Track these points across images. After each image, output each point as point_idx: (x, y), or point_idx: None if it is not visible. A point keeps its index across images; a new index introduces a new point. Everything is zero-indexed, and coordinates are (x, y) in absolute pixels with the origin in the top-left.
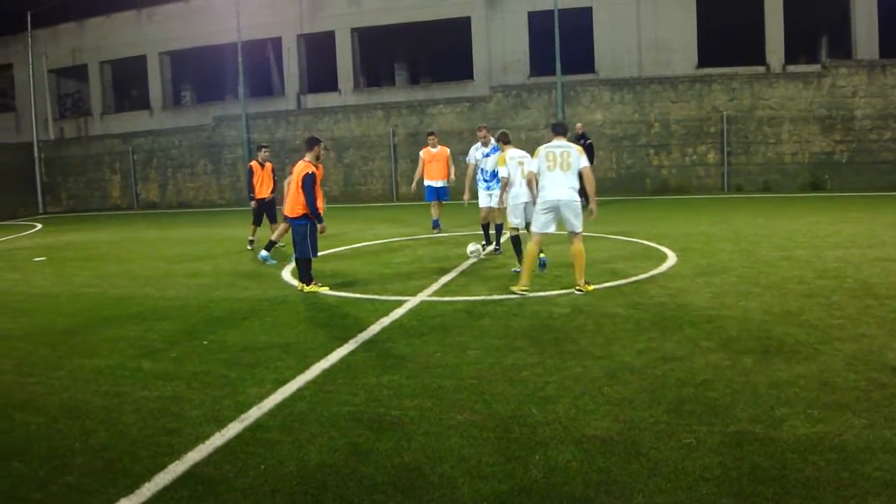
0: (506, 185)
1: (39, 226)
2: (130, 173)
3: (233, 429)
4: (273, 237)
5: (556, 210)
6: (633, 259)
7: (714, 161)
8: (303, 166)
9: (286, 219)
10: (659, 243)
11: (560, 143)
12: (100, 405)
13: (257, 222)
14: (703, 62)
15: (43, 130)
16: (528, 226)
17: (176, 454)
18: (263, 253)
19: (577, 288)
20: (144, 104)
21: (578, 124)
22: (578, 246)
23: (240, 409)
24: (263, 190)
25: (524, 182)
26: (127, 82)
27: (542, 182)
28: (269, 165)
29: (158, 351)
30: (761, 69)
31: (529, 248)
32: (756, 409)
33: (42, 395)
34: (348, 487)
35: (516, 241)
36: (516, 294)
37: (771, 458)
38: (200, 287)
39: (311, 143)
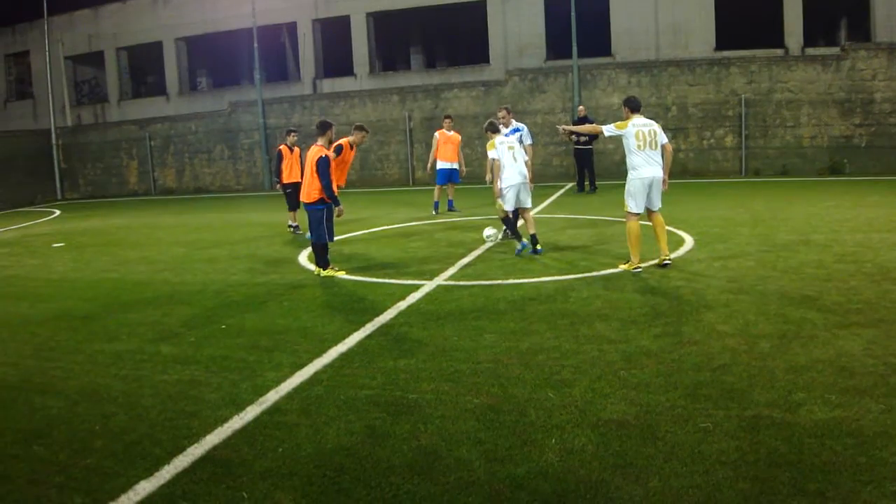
0: (498, 170)
1: (58, 212)
2: (147, 159)
3: (251, 412)
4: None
5: (650, 187)
6: (649, 243)
7: (732, 145)
8: (316, 150)
9: (303, 204)
10: (676, 227)
11: (644, 120)
12: (119, 389)
13: (294, 207)
14: (721, 45)
15: (60, 117)
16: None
17: (195, 437)
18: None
19: (665, 259)
20: (161, 90)
21: (581, 107)
22: (661, 219)
23: (258, 393)
24: (292, 174)
25: (515, 165)
26: (143, 68)
27: (633, 161)
28: (297, 150)
29: (177, 335)
30: (780, 52)
31: (632, 227)
32: (773, 394)
33: (62, 380)
34: (365, 470)
35: (509, 220)
36: (631, 271)
37: (788, 443)
38: (218, 272)
39: (324, 127)
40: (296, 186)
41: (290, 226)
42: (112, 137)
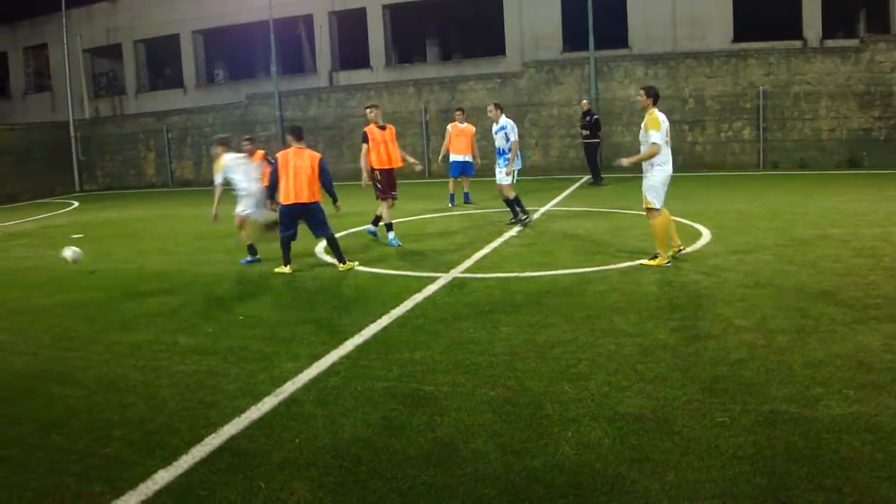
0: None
1: (76, 203)
2: (165, 151)
3: (268, 403)
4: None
5: (668, 183)
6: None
7: (750, 137)
8: (310, 153)
9: (305, 205)
10: (693, 220)
11: (663, 114)
12: (137, 379)
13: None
14: (738, 37)
15: (78, 109)
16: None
17: (212, 427)
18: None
19: (680, 248)
20: (178, 82)
21: (584, 101)
22: (666, 210)
23: (275, 384)
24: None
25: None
26: (160, 61)
27: (663, 157)
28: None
29: (194, 326)
30: (798, 44)
31: (662, 222)
32: (790, 389)
33: (81, 369)
34: (382, 461)
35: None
36: (662, 266)
37: (805, 438)
38: (235, 263)
39: (301, 131)
40: None
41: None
42: (130, 130)
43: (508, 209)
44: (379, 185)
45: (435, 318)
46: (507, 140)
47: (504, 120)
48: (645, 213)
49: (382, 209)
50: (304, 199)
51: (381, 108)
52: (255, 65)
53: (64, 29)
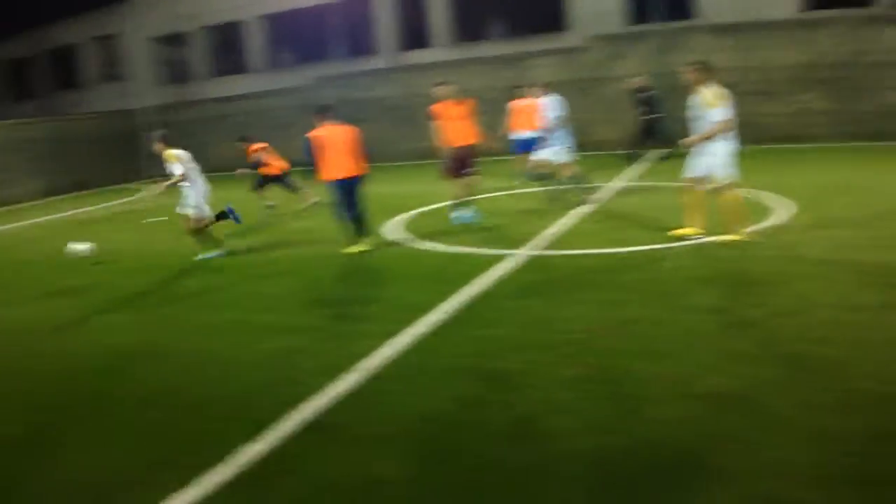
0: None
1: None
2: (232, 136)
3: (348, 379)
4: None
5: None
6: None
7: (821, 109)
8: (345, 128)
9: (346, 180)
10: (766, 195)
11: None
12: (225, 357)
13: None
14: (808, 5)
15: (147, 97)
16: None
17: (296, 403)
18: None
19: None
20: (244, 67)
21: (637, 78)
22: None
23: (353, 360)
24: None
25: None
26: (226, 47)
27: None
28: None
29: (276, 305)
30: (870, 11)
31: (735, 197)
32: (875, 366)
33: (175, 346)
34: (464, 438)
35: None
36: (745, 240)
37: (891, 416)
38: (311, 243)
39: (326, 109)
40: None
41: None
42: (197, 115)
43: (574, 186)
44: (450, 163)
45: (509, 295)
46: (551, 117)
47: (548, 98)
48: (709, 190)
49: (458, 187)
50: (346, 173)
51: (453, 84)
52: (321, 47)
53: (132, 18)
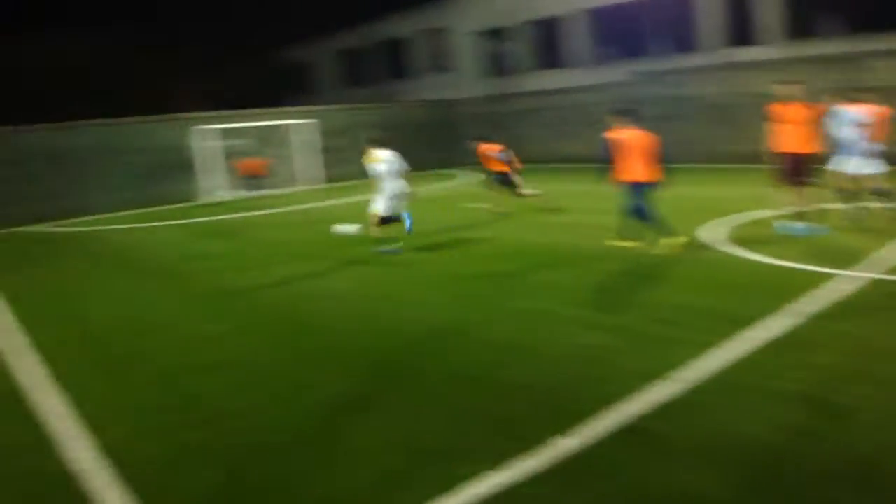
0: None
1: (467, 175)
2: (550, 129)
3: (666, 387)
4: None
5: None
6: None
7: None
8: (641, 134)
9: (642, 184)
10: None
11: None
12: (537, 345)
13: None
14: None
15: (472, 89)
16: None
17: (611, 403)
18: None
19: None
20: (565, 62)
21: None
22: None
23: (672, 368)
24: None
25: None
26: (549, 41)
27: None
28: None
29: (589, 300)
30: None
31: None
32: None
33: (486, 329)
34: (791, 468)
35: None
36: None
37: None
38: (582, 237)
39: (628, 113)
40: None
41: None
42: (518, 108)
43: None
44: (785, 169)
45: (845, 320)
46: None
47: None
48: None
49: (790, 195)
50: (644, 177)
51: (800, 84)
52: (642, 43)
53: (461, 12)
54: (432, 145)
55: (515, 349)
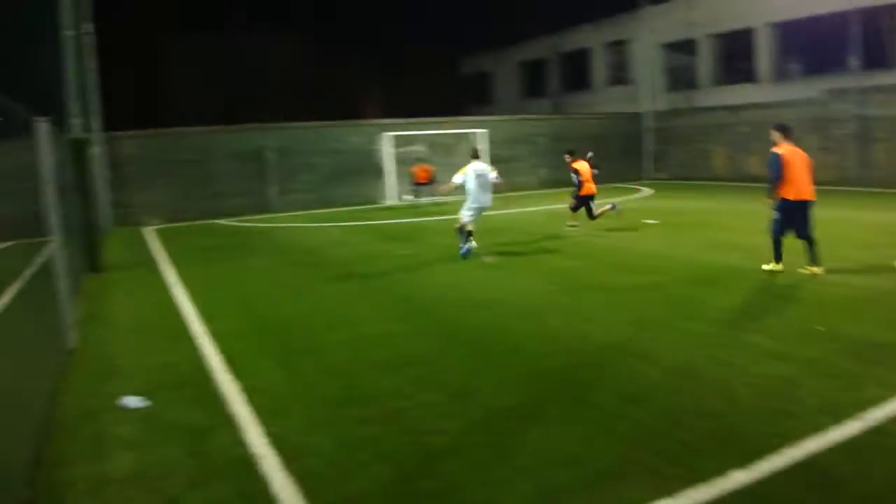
0: None
1: (648, 190)
2: (734, 146)
3: (852, 426)
4: None
5: None
6: None
7: None
8: (801, 152)
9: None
10: None
11: None
12: (712, 371)
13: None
14: None
15: (653, 102)
16: None
17: (790, 439)
18: None
19: None
20: (750, 76)
21: None
22: None
23: (860, 407)
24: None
25: None
26: (734, 55)
27: None
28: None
29: (770, 328)
30: None
31: None
32: None
33: (657, 351)
34: None
35: None
36: None
37: None
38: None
39: (787, 129)
40: None
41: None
42: (701, 122)
43: None
44: None
45: None
46: None
47: None
48: None
49: None
50: (809, 196)
51: None
52: (833, 59)
53: (643, 25)
54: (613, 158)
55: (688, 374)
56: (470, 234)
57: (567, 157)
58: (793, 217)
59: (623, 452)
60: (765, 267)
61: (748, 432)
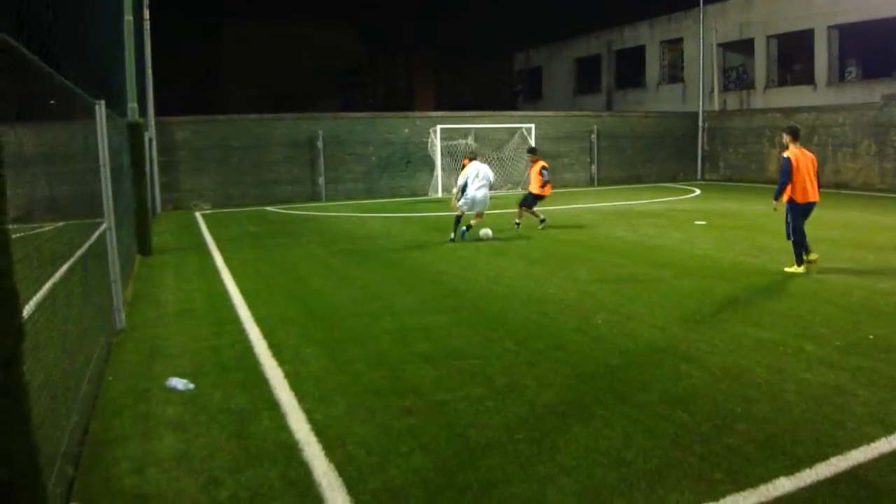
0: None
1: (698, 191)
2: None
3: None
4: None
5: None
6: None
7: None
8: (809, 154)
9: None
10: None
11: None
12: (762, 377)
13: None
14: None
15: (707, 101)
16: None
17: (839, 448)
18: None
19: None
20: (808, 79)
21: None
22: None
23: None
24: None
25: None
26: (791, 56)
27: None
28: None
29: (821, 335)
30: None
31: None
32: None
33: (706, 353)
34: None
35: None
36: None
37: None
38: (862, 275)
39: (796, 131)
40: None
41: None
42: (755, 124)
43: None
44: None
45: None
46: None
47: None
48: None
49: None
50: (816, 198)
51: None
52: (892, 63)
53: (700, 24)
54: (664, 157)
55: (736, 378)
56: (459, 219)
57: (531, 155)
58: (805, 217)
59: (668, 455)
60: (790, 269)
61: (796, 440)
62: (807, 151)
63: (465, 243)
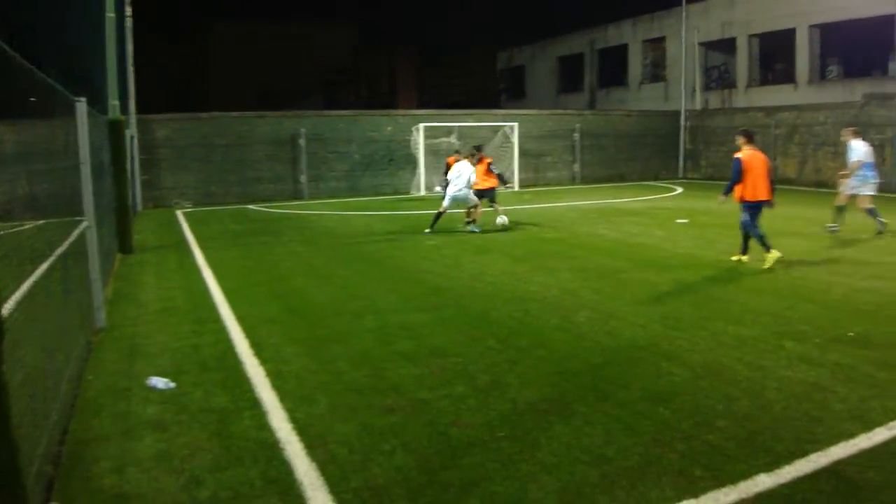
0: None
1: (680, 189)
2: (771, 147)
3: (880, 434)
4: None
5: None
6: None
7: None
8: (761, 155)
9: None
10: None
11: None
12: (743, 374)
13: None
14: None
15: (690, 100)
16: None
17: (818, 445)
18: None
19: None
20: (789, 78)
21: None
22: None
23: (889, 415)
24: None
25: None
26: (773, 55)
27: None
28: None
29: (801, 332)
30: None
31: None
32: None
33: (686, 351)
34: None
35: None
36: None
37: None
38: (842, 274)
39: (750, 134)
40: None
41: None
42: (737, 123)
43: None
44: None
45: None
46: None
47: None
48: None
49: None
50: (767, 196)
51: None
52: (873, 62)
53: (682, 22)
54: (646, 156)
55: (718, 376)
56: (440, 215)
57: (477, 153)
58: (758, 216)
59: (649, 452)
60: (765, 266)
61: (776, 436)
62: (759, 153)
63: (448, 241)
